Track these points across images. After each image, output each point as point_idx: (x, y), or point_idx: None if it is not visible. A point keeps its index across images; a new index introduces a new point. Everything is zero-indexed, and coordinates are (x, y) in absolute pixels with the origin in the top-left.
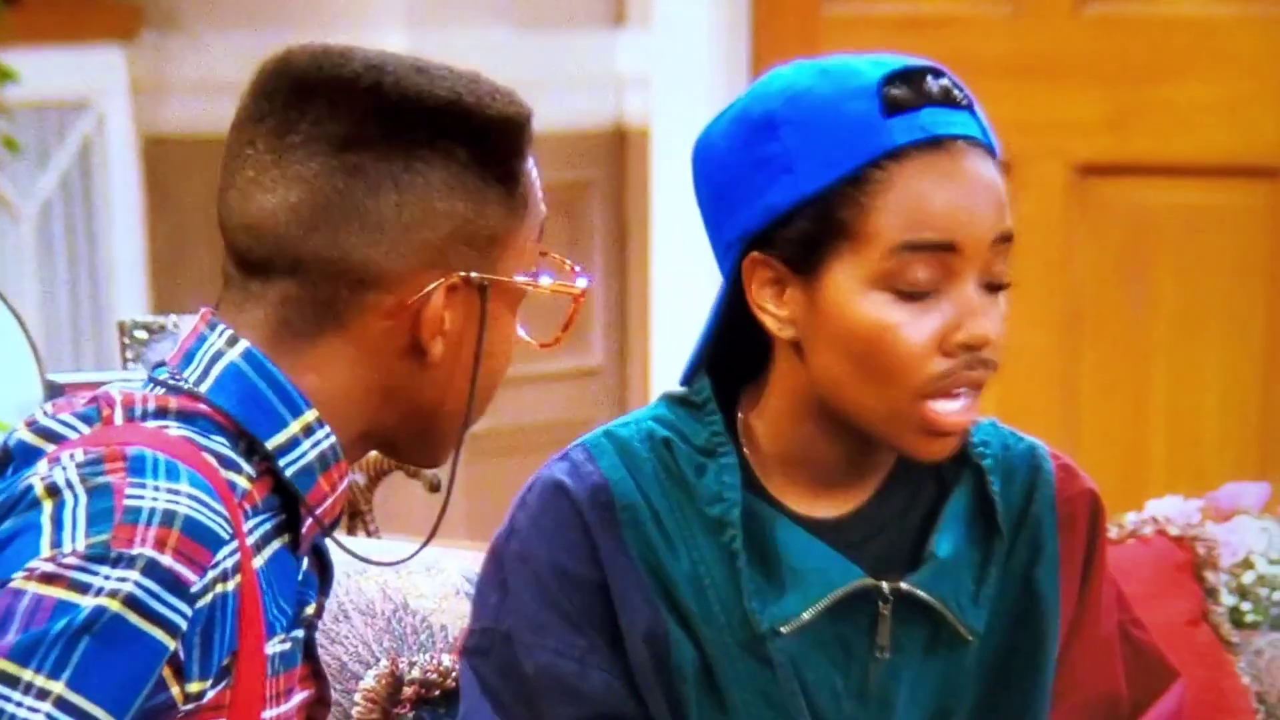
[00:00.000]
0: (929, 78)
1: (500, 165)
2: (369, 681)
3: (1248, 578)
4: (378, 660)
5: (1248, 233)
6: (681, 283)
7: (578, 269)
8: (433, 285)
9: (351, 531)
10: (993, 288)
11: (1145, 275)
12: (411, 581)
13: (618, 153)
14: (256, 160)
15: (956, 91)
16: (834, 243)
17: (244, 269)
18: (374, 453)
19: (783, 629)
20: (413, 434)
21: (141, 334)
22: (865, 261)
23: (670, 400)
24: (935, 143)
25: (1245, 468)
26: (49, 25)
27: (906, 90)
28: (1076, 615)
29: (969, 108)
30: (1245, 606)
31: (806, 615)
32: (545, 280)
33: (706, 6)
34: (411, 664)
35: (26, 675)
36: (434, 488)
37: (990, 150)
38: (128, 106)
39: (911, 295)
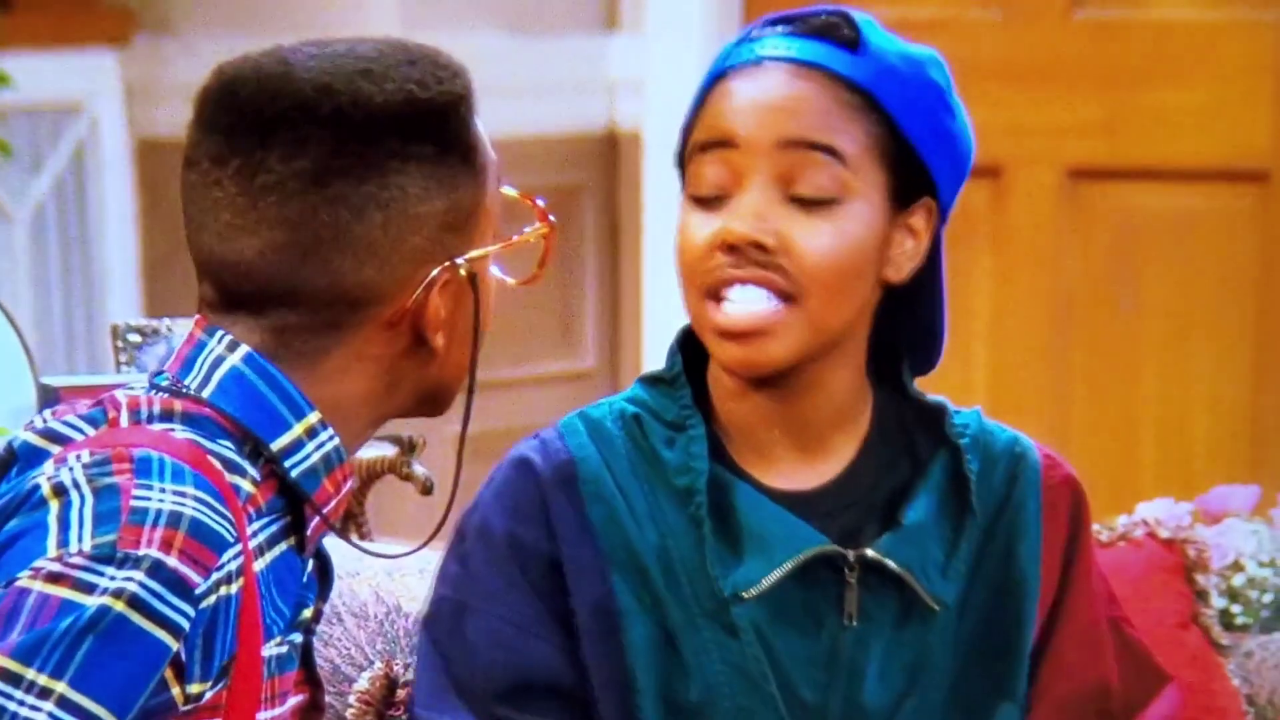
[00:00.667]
0: (805, 18)
1: (461, 143)
2: (363, 684)
3: (1238, 580)
4: (371, 663)
5: (1237, 236)
6: (673, 286)
7: (539, 201)
8: (425, 283)
9: (344, 534)
10: (805, 202)
11: (1136, 279)
12: (404, 584)
13: (610, 157)
14: (230, 204)
15: (809, 24)
16: (684, 176)
17: (231, 303)
18: (366, 457)
19: (745, 594)
20: (418, 407)
21: (135, 337)
22: (686, 174)
23: (645, 380)
24: (753, 63)
25: (1235, 470)
26: (41, 29)
27: (768, 27)
28: (1059, 601)
29: (821, 35)
30: (1235, 609)
31: (768, 581)
32: (519, 234)
33: (698, 11)
34: (406, 666)
35: (29, 674)
36: (426, 490)
37: (819, 68)
38: (120, 110)
39: (704, 200)
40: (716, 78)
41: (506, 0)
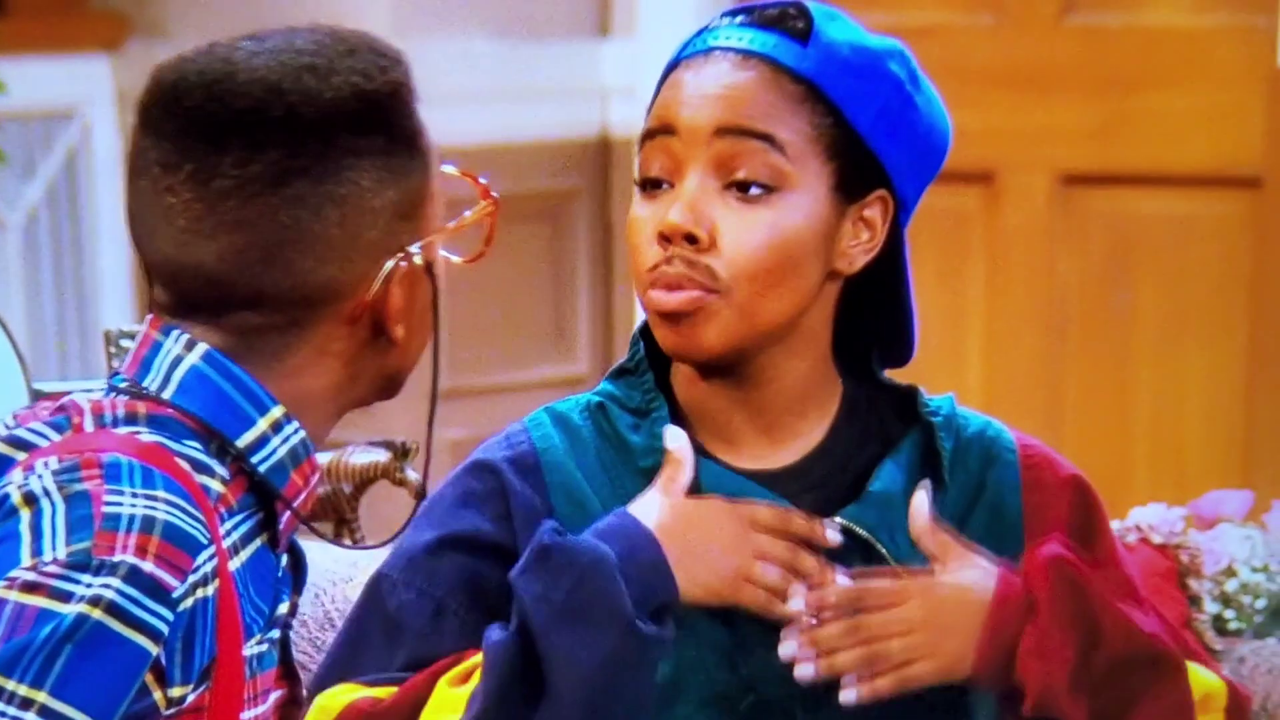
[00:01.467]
0: (763, 10)
1: (404, 130)
2: None
3: (1231, 585)
4: None
5: (1231, 242)
6: None
7: (482, 178)
8: (382, 276)
9: (338, 539)
10: (742, 191)
11: (1129, 284)
12: None
13: (602, 162)
14: (185, 210)
15: (763, 14)
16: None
17: (188, 307)
18: (359, 461)
19: None
20: (376, 394)
21: (128, 343)
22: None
23: (611, 374)
24: (702, 54)
25: (1228, 476)
26: (34, 35)
27: (725, 18)
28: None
29: (772, 26)
30: (1228, 614)
31: None
32: (467, 213)
33: (691, 17)
34: None
35: (10, 685)
36: (420, 495)
37: (764, 59)
38: (114, 116)
39: (649, 187)
40: (671, 68)
41: (499, 5)
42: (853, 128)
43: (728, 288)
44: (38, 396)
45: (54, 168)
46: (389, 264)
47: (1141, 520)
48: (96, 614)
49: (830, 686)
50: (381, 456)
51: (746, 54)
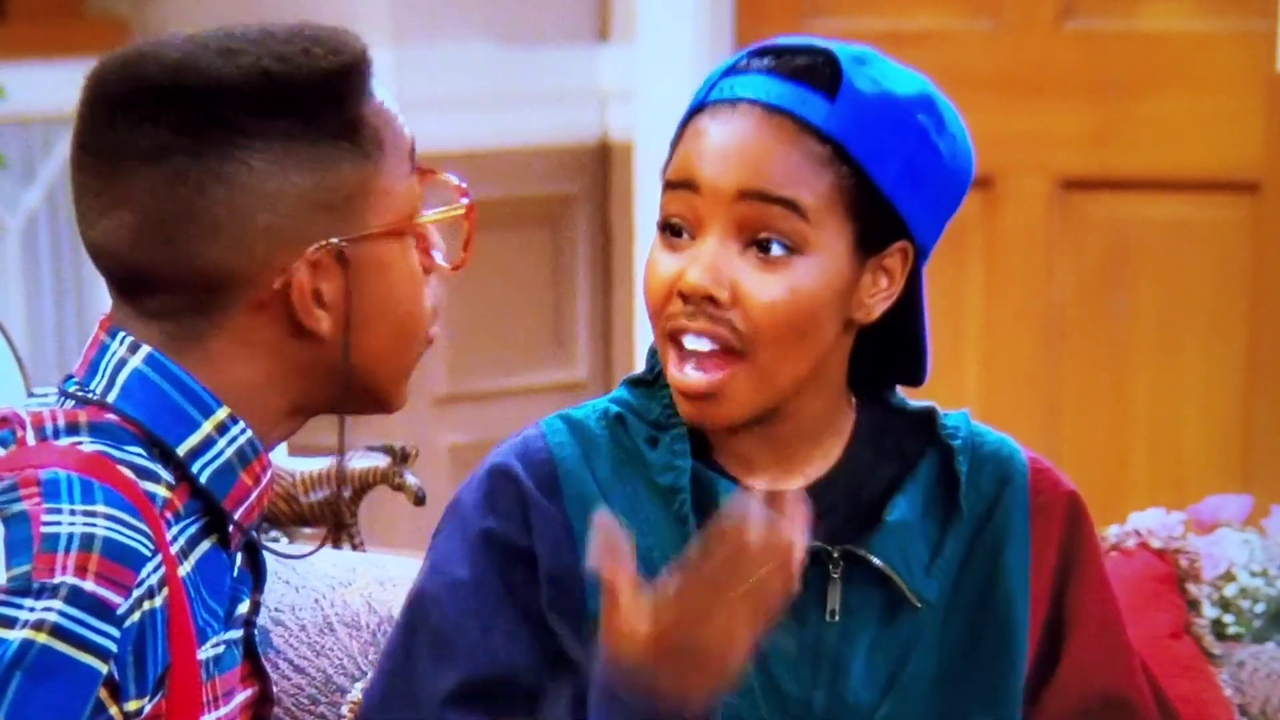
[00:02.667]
0: (791, 54)
1: (336, 120)
2: (355, 694)
3: (1230, 590)
4: (364, 673)
5: (1229, 247)
6: None
7: (462, 183)
8: (290, 266)
9: (337, 544)
10: (763, 253)
11: (1127, 288)
12: (397, 594)
13: (602, 167)
14: (90, 186)
15: (791, 63)
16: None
17: (118, 291)
18: (359, 466)
19: None
20: (353, 396)
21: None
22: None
23: (629, 381)
24: (732, 103)
25: (1227, 480)
26: (33, 40)
27: (747, 60)
28: (1060, 607)
29: (800, 79)
30: (1227, 619)
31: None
32: (426, 215)
33: (690, 21)
34: None
35: None
36: (419, 500)
37: (790, 116)
38: None
39: (672, 233)
40: (697, 109)
41: (498, 11)
42: (875, 184)
43: (750, 346)
44: None
45: (53, 172)
46: (305, 252)
47: (1140, 525)
48: (41, 638)
49: (844, 703)
50: (380, 461)
51: (772, 109)
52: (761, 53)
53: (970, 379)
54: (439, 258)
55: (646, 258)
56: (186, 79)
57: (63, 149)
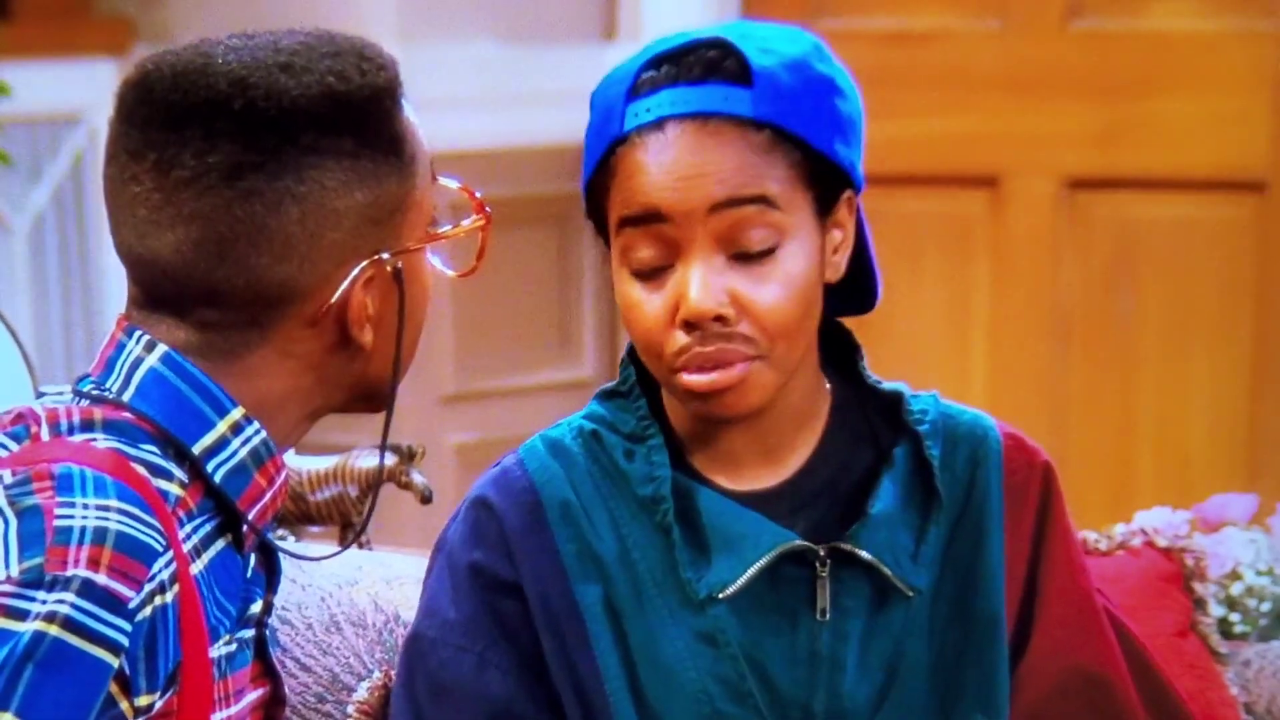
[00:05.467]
0: (686, 56)
1: (386, 136)
2: (362, 693)
3: (1236, 589)
4: (370, 672)
5: (1235, 246)
6: None
7: (476, 192)
8: (348, 281)
9: (343, 543)
10: (748, 256)
11: (1133, 288)
12: (403, 593)
13: None
14: (146, 198)
15: (692, 66)
16: (601, 229)
17: (154, 301)
18: (366, 465)
19: (720, 595)
20: (354, 403)
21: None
22: (614, 243)
23: (601, 395)
24: (657, 124)
25: (1233, 479)
26: (41, 39)
27: (655, 73)
28: (1033, 583)
29: (710, 78)
30: (1233, 617)
31: (741, 580)
32: (448, 228)
33: (696, 21)
34: None
35: None
36: (425, 499)
37: (720, 117)
38: None
39: (644, 274)
40: (618, 141)
41: (505, 10)
42: (815, 149)
43: (768, 349)
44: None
45: (60, 172)
46: (356, 268)
47: (1146, 524)
48: (53, 630)
49: (843, 700)
50: (387, 460)
51: (701, 117)
52: (652, 64)
53: (977, 378)
54: (439, 263)
55: (621, 298)
56: (255, 96)
57: (69, 148)
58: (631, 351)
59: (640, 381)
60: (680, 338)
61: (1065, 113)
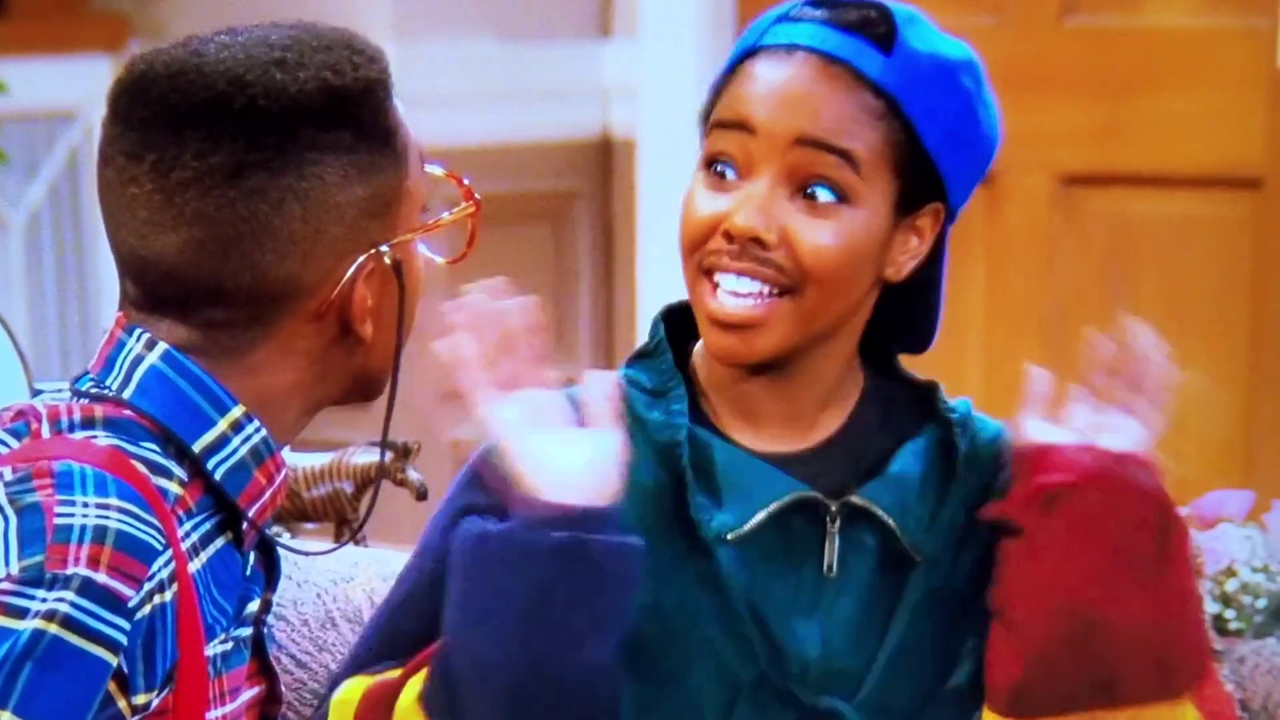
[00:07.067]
0: (847, 5)
1: (380, 128)
2: None
3: (1231, 585)
4: None
5: (1231, 243)
6: (668, 292)
7: (465, 180)
8: (349, 275)
9: (339, 540)
10: (812, 200)
11: (1129, 284)
12: None
13: (604, 163)
14: (146, 200)
15: (846, 15)
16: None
17: (155, 301)
18: (361, 461)
19: (729, 536)
20: (349, 395)
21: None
22: (703, 143)
23: (631, 358)
24: (788, 48)
25: (1229, 476)
26: (36, 36)
27: (799, 9)
28: None
29: (855, 31)
30: (1229, 614)
31: (752, 523)
32: (445, 215)
33: (693, 17)
34: None
35: None
36: (421, 495)
37: (847, 66)
38: None
39: (718, 174)
40: (749, 52)
41: (501, 6)
42: (921, 142)
43: (798, 285)
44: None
45: (56, 168)
46: (357, 261)
47: None
48: (53, 628)
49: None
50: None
51: (830, 59)
52: (815, 3)
53: (972, 374)
54: (428, 251)
55: (687, 192)
56: (254, 94)
57: (65, 145)
58: (664, 313)
59: (671, 343)
60: (719, 241)
61: (1061, 109)
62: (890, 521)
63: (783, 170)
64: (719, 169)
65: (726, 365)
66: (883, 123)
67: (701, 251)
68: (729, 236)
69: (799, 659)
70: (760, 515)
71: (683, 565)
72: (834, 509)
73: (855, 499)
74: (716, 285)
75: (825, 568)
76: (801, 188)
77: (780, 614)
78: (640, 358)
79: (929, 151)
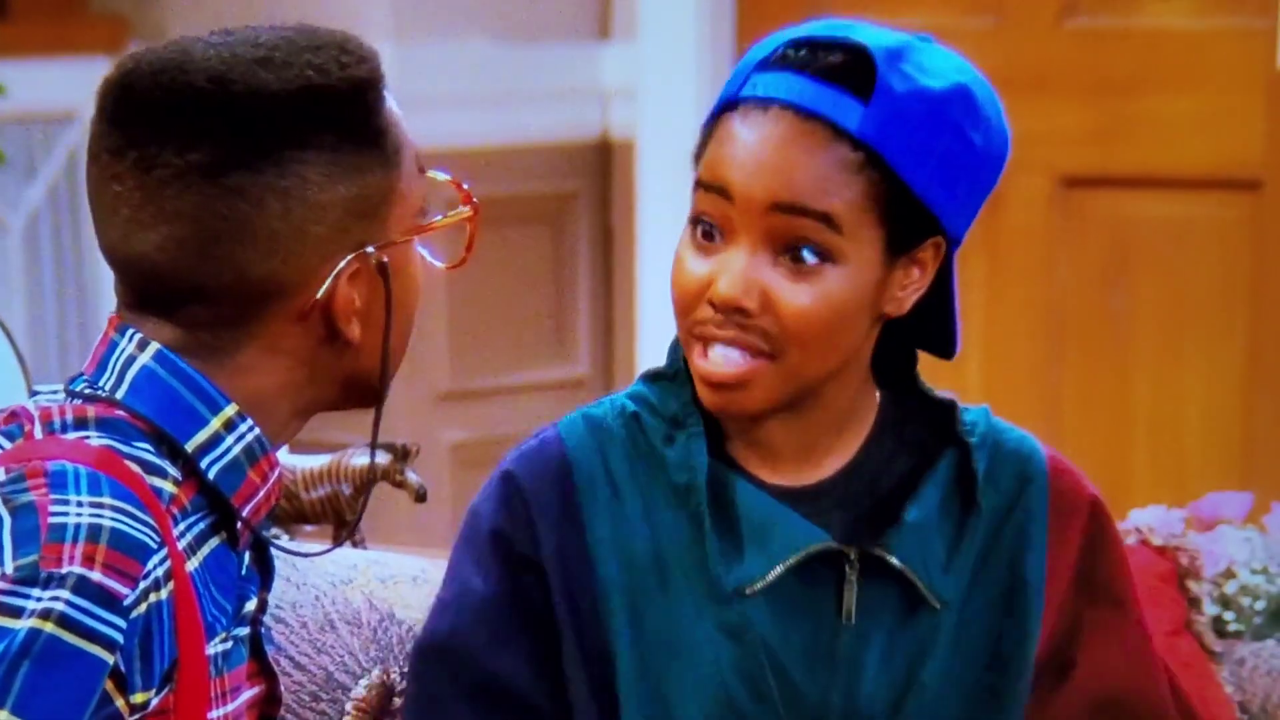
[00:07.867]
0: (826, 49)
1: (369, 129)
2: (360, 691)
3: (1230, 587)
4: (366, 670)
5: (1230, 244)
6: (667, 294)
7: (465, 184)
8: (333, 275)
9: (337, 541)
10: (798, 262)
11: (1128, 286)
12: (398, 592)
13: (603, 165)
14: (128, 197)
15: (825, 61)
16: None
17: (142, 300)
18: (360, 463)
19: (748, 590)
20: (347, 399)
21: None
22: (692, 195)
23: (646, 376)
24: (761, 104)
25: (1227, 478)
26: (35, 38)
27: (787, 53)
28: (1076, 617)
29: (833, 80)
30: (1228, 616)
31: (771, 575)
32: (438, 218)
33: (692, 19)
34: (402, 674)
35: None
36: (420, 498)
37: (823, 121)
38: None
39: (705, 234)
40: (728, 104)
41: (500, 9)
42: (907, 185)
43: (780, 349)
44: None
45: (55, 170)
46: (341, 262)
47: (1141, 522)
48: (48, 627)
49: (860, 704)
50: (381, 458)
51: (805, 114)
52: (796, 45)
53: (972, 376)
54: (428, 255)
55: (679, 247)
56: (236, 91)
57: (64, 146)
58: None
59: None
60: (706, 310)
61: (1060, 111)
62: (911, 574)
63: (762, 235)
64: (705, 229)
65: (723, 418)
66: (863, 174)
67: (690, 320)
68: (714, 306)
69: (819, 707)
70: (778, 569)
71: (700, 612)
72: (853, 558)
73: (874, 550)
74: (707, 346)
75: (844, 615)
76: (785, 250)
77: (799, 661)
78: (657, 378)
79: (916, 193)
